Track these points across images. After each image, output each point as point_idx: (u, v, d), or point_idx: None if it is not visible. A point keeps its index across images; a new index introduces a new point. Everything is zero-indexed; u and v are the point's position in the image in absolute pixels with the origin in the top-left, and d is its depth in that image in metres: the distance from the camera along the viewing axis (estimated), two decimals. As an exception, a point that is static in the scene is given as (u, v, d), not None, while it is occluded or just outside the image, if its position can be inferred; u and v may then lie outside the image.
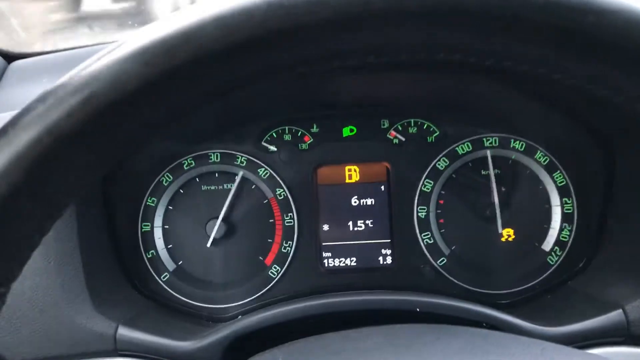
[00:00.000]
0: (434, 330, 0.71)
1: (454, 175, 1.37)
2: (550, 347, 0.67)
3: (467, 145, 1.36)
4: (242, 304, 1.36)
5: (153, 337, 1.15)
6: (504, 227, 1.36)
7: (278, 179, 1.37)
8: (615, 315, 1.11)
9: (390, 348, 0.66)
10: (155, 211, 1.37)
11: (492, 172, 1.34)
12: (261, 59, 0.49)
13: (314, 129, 1.40)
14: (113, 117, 0.48)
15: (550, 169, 1.36)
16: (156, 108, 0.50)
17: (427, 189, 1.36)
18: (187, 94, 0.50)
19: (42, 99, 0.47)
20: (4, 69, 1.45)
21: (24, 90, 1.32)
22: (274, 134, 1.40)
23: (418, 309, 1.16)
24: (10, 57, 1.48)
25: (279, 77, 0.53)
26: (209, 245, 1.35)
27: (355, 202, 1.39)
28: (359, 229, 1.39)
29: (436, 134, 1.39)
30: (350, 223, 1.39)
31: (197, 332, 1.20)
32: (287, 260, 1.37)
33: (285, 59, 0.50)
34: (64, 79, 0.47)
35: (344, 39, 0.48)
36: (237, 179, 1.36)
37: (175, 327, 1.23)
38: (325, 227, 1.39)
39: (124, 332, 1.14)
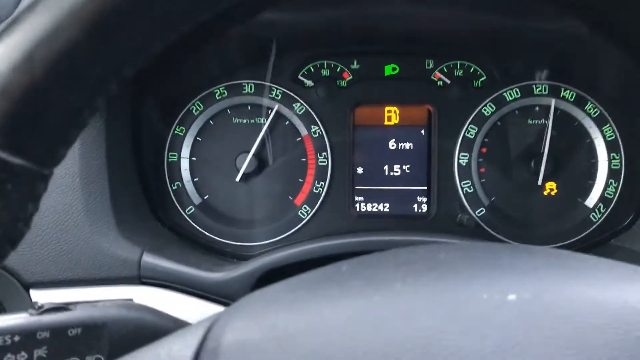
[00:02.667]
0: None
1: (499, 123, 1.31)
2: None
3: (516, 91, 1.29)
4: (268, 243, 1.30)
5: (179, 265, 1.09)
6: (547, 181, 1.30)
7: (314, 115, 1.31)
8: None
9: (471, 261, 0.60)
10: (183, 141, 1.30)
11: (550, 121, 1.27)
12: None
13: (354, 66, 1.33)
14: None
15: (600, 121, 1.29)
16: None
17: (471, 135, 1.30)
18: None
19: None
20: None
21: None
22: (311, 68, 1.33)
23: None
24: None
25: None
26: (237, 179, 1.28)
27: (392, 145, 1.33)
28: (395, 174, 1.33)
29: (483, 79, 1.32)
30: (386, 167, 1.33)
31: (223, 265, 1.14)
32: (318, 201, 1.31)
33: None
34: None
35: None
36: (272, 113, 1.29)
37: (202, 259, 1.17)
38: (360, 170, 1.33)
39: (149, 258, 1.09)
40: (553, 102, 1.29)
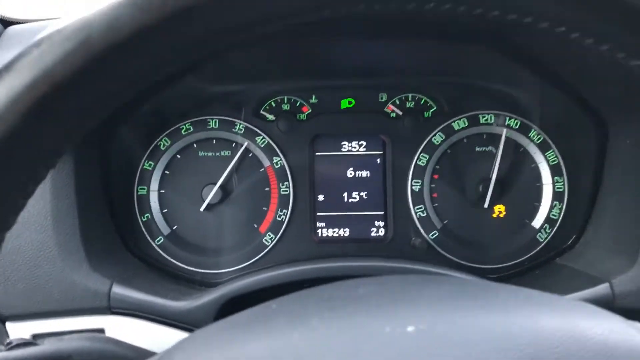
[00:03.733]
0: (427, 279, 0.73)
1: (449, 151, 1.39)
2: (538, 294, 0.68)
3: (464, 121, 1.38)
4: (235, 270, 1.37)
5: (147, 295, 1.16)
6: (495, 204, 1.38)
7: (276, 147, 1.39)
8: (601, 288, 1.13)
9: (384, 294, 0.68)
10: (151, 175, 1.38)
11: (500, 149, 1.36)
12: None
13: (313, 100, 1.42)
14: (107, 62, 0.48)
15: (543, 147, 1.38)
16: (151, 54, 0.51)
17: (422, 162, 1.38)
18: (181, 40, 0.50)
19: (37, 44, 0.47)
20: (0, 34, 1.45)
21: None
22: (272, 103, 1.41)
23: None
24: (6, 23, 1.48)
25: (278, 25, 0.53)
26: (202, 209, 1.36)
27: (350, 173, 1.41)
28: (354, 200, 1.41)
29: (433, 109, 1.41)
30: (345, 194, 1.41)
31: (190, 294, 1.21)
32: (281, 228, 1.38)
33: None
34: (59, 25, 0.47)
35: None
36: (241, 148, 1.38)
37: (169, 288, 1.24)
38: (321, 197, 1.41)
39: (118, 290, 1.15)
40: (504, 131, 1.37)
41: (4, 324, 1.14)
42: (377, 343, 0.57)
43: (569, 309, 0.65)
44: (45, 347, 0.83)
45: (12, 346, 0.81)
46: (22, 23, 1.49)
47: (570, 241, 1.36)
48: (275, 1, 0.50)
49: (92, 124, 0.54)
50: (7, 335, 1.12)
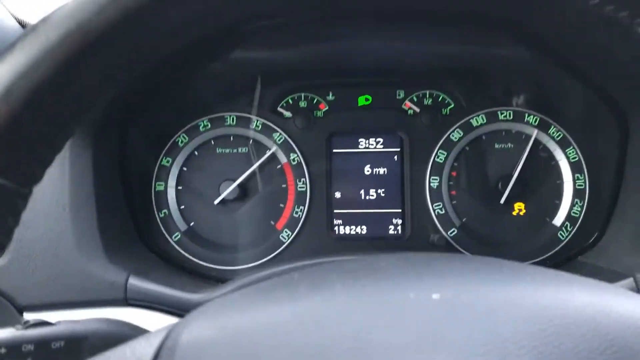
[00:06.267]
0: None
1: (467, 148, 1.38)
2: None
3: (482, 117, 1.37)
4: (251, 267, 1.36)
5: (164, 287, 1.15)
6: (515, 202, 1.36)
7: (293, 144, 1.38)
8: (626, 284, 1.11)
9: (408, 267, 0.67)
10: (169, 171, 1.38)
11: (528, 148, 1.35)
12: None
13: (330, 97, 1.42)
14: (139, 17, 0.49)
15: (563, 144, 1.36)
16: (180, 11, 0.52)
17: (440, 160, 1.37)
18: None
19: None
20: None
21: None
22: (289, 100, 1.42)
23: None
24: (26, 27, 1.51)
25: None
26: (216, 202, 1.36)
27: (368, 170, 1.40)
28: (371, 197, 1.40)
29: (451, 106, 1.41)
30: (362, 191, 1.40)
31: (205, 287, 1.20)
32: (298, 225, 1.37)
33: None
34: None
35: None
36: (269, 152, 1.38)
37: (186, 282, 1.23)
38: (337, 195, 1.40)
39: (135, 281, 1.15)
40: (535, 132, 1.35)
41: (21, 314, 1.13)
42: (401, 307, 0.56)
43: (601, 288, 0.64)
44: (62, 327, 0.83)
45: (28, 325, 0.80)
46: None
47: (592, 239, 1.34)
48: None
49: (120, 80, 0.54)
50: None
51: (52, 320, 0.87)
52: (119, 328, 0.86)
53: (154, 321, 1.15)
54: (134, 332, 0.88)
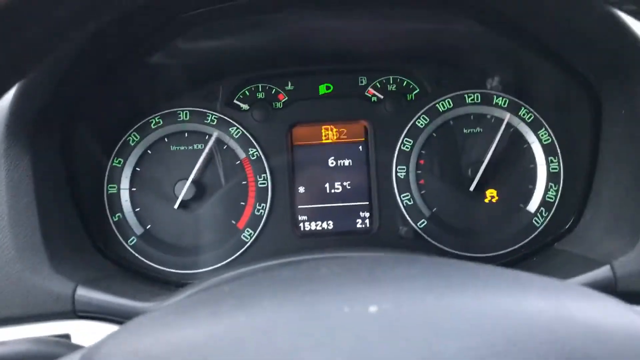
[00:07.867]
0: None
1: (434, 134, 1.32)
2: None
3: (448, 102, 1.31)
4: (213, 269, 1.29)
5: (114, 297, 1.08)
6: (487, 188, 1.30)
7: (251, 138, 1.31)
8: (602, 271, 1.05)
9: (348, 274, 0.61)
10: (121, 172, 1.30)
11: (500, 132, 1.28)
12: None
13: (289, 87, 1.35)
14: None
15: (535, 126, 1.30)
16: None
17: (407, 148, 1.31)
18: None
19: None
20: None
21: None
22: (246, 91, 1.34)
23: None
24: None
25: None
26: (175, 207, 1.28)
27: (332, 162, 1.33)
28: (336, 190, 1.33)
29: (416, 91, 1.34)
30: (327, 185, 1.33)
31: (162, 294, 1.13)
32: (260, 223, 1.31)
33: None
34: None
35: None
36: (212, 139, 1.30)
37: (140, 289, 1.16)
38: (301, 189, 1.33)
39: (83, 292, 1.07)
40: (507, 116, 1.29)
41: (-38, 331, 1.06)
42: (333, 324, 0.49)
43: (558, 290, 0.58)
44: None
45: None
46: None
47: (569, 225, 1.28)
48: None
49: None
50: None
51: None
52: (50, 348, 0.80)
53: (107, 332, 1.07)
54: (67, 350, 0.81)
